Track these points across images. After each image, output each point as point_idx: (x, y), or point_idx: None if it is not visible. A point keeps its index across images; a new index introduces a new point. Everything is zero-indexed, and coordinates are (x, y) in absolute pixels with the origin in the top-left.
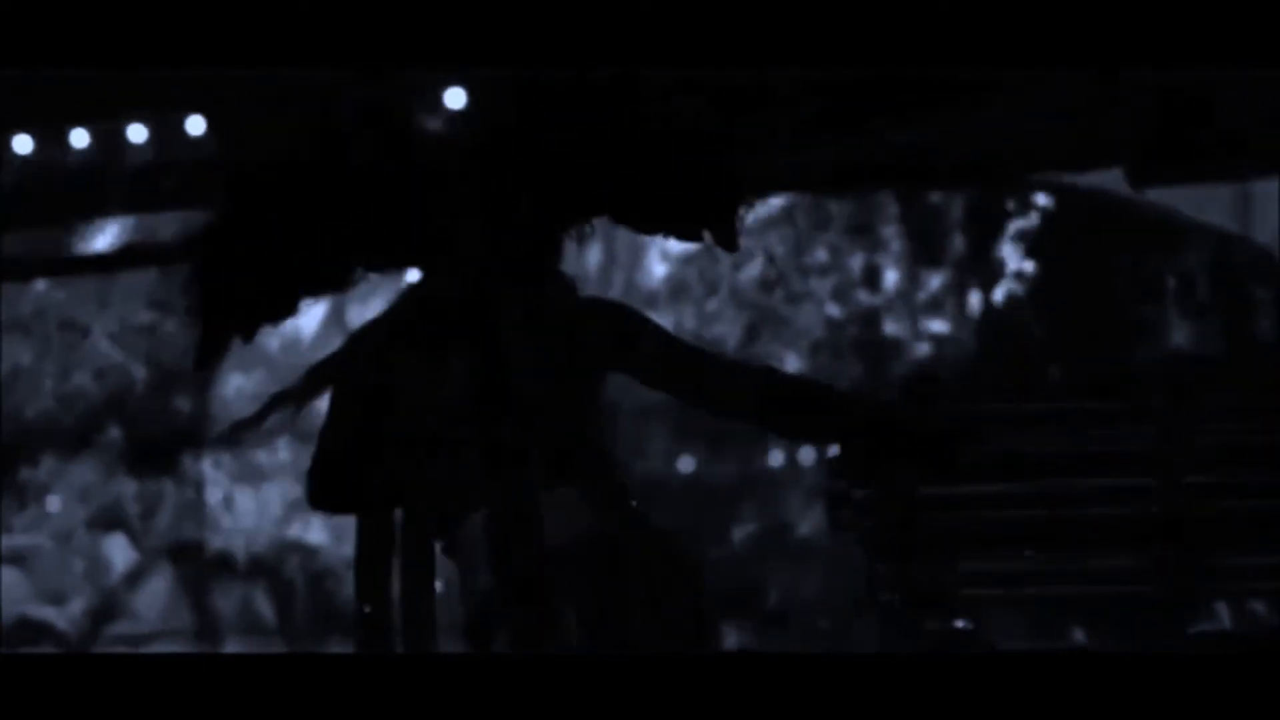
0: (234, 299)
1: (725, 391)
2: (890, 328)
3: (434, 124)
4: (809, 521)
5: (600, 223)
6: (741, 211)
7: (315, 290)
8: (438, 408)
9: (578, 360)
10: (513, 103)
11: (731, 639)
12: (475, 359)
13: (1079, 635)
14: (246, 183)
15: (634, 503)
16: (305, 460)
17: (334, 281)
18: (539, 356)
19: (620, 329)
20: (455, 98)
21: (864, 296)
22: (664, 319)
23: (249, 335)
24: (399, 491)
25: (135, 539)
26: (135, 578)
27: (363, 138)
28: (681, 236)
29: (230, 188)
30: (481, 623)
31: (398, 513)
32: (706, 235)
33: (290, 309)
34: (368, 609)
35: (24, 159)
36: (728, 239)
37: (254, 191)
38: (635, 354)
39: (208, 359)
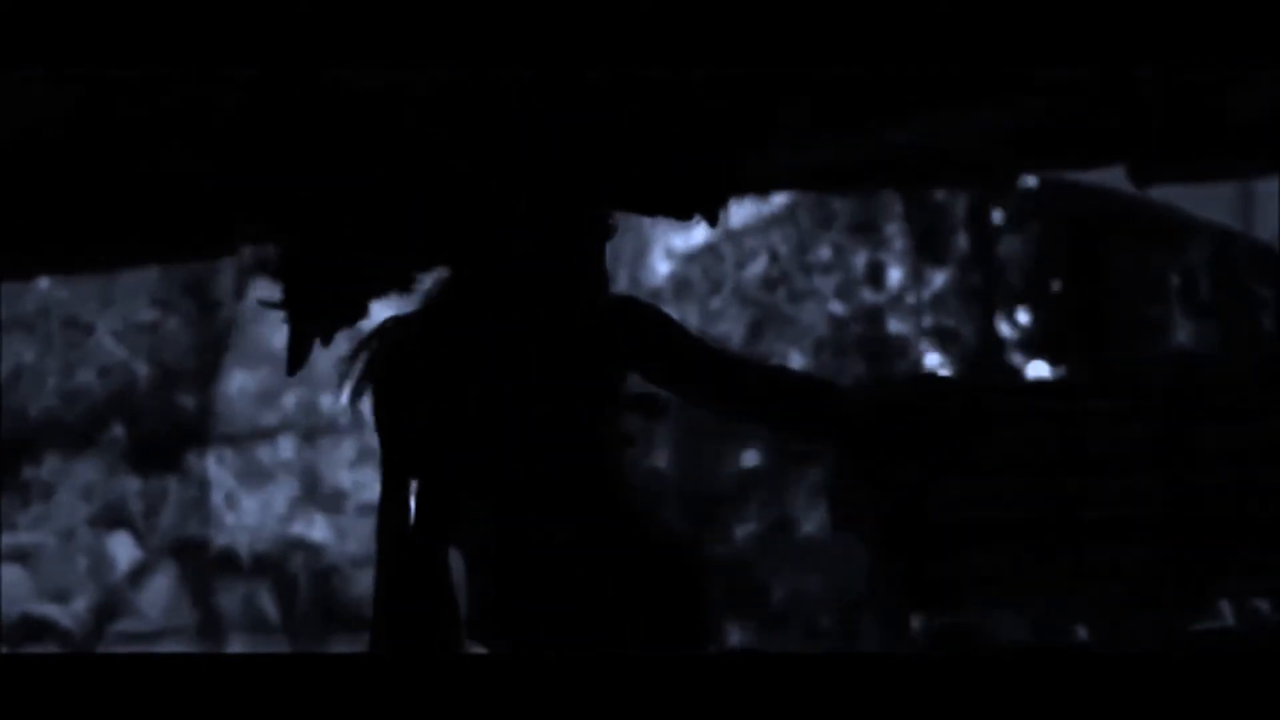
0: (315, 308)
1: (740, 397)
2: (894, 325)
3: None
4: (812, 520)
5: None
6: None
7: (382, 293)
8: (454, 397)
9: (598, 357)
10: (516, 101)
11: (734, 638)
12: (493, 351)
13: (1081, 634)
14: (322, 197)
15: (639, 502)
16: (309, 458)
17: (398, 284)
18: (559, 351)
19: (644, 329)
20: (459, 95)
21: (867, 294)
22: None
23: (328, 338)
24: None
25: (139, 536)
26: (139, 575)
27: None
28: (675, 218)
29: (305, 203)
30: (486, 619)
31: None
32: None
33: (363, 312)
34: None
35: None
36: (714, 220)
37: (329, 205)
38: (657, 355)
39: (297, 364)
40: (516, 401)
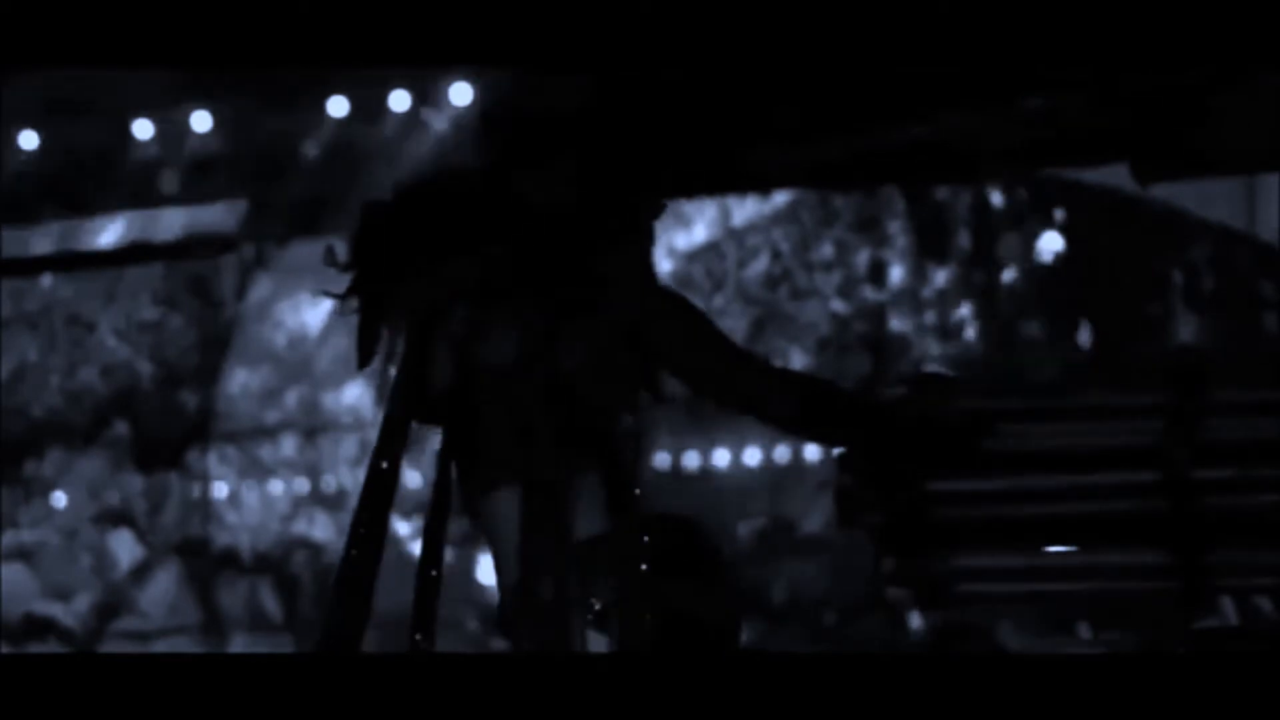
0: (383, 301)
1: (760, 397)
2: (896, 323)
3: (442, 121)
4: (816, 517)
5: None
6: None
7: (447, 284)
8: (484, 369)
9: (630, 347)
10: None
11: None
12: (528, 329)
13: (1085, 631)
14: (391, 198)
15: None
16: (310, 456)
17: (462, 275)
18: (592, 337)
19: (678, 323)
20: (461, 94)
21: (869, 292)
22: None
23: (396, 330)
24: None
25: (141, 534)
26: (141, 573)
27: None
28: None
29: (376, 204)
30: (510, 613)
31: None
32: None
33: (429, 303)
34: (419, 637)
35: (30, 155)
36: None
37: (396, 205)
38: (686, 348)
39: (367, 357)
40: (544, 383)
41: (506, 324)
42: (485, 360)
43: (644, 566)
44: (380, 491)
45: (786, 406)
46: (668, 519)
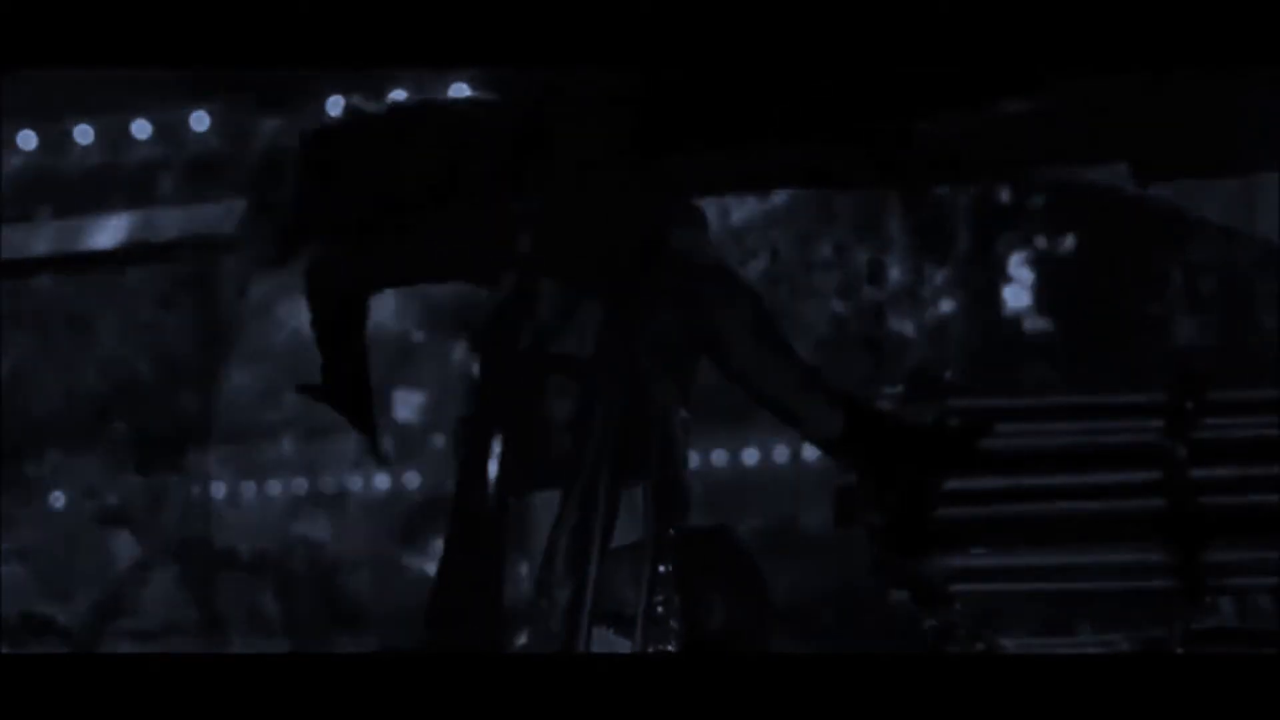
0: None
1: (810, 412)
2: (895, 323)
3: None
4: (816, 517)
5: None
6: None
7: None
8: (556, 360)
9: (692, 337)
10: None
11: None
12: (609, 319)
13: (1084, 630)
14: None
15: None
16: (310, 457)
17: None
18: (661, 330)
19: (734, 300)
20: (461, 94)
21: (869, 292)
22: None
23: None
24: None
25: (140, 534)
26: (140, 573)
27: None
28: None
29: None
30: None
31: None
32: None
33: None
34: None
35: (29, 154)
36: None
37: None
38: (743, 332)
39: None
40: (615, 377)
41: (587, 312)
42: (559, 350)
43: (678, 573)
44: (479, 467)
45: (830, 422)
46: (702, 529)
